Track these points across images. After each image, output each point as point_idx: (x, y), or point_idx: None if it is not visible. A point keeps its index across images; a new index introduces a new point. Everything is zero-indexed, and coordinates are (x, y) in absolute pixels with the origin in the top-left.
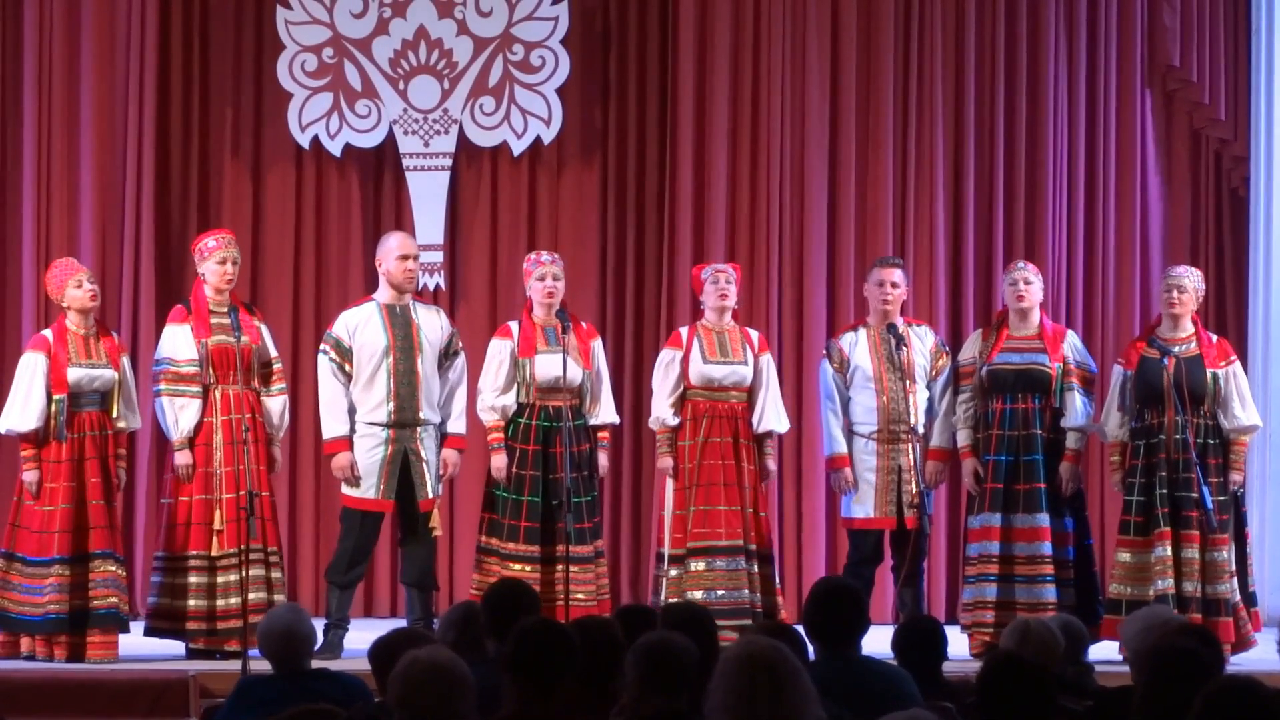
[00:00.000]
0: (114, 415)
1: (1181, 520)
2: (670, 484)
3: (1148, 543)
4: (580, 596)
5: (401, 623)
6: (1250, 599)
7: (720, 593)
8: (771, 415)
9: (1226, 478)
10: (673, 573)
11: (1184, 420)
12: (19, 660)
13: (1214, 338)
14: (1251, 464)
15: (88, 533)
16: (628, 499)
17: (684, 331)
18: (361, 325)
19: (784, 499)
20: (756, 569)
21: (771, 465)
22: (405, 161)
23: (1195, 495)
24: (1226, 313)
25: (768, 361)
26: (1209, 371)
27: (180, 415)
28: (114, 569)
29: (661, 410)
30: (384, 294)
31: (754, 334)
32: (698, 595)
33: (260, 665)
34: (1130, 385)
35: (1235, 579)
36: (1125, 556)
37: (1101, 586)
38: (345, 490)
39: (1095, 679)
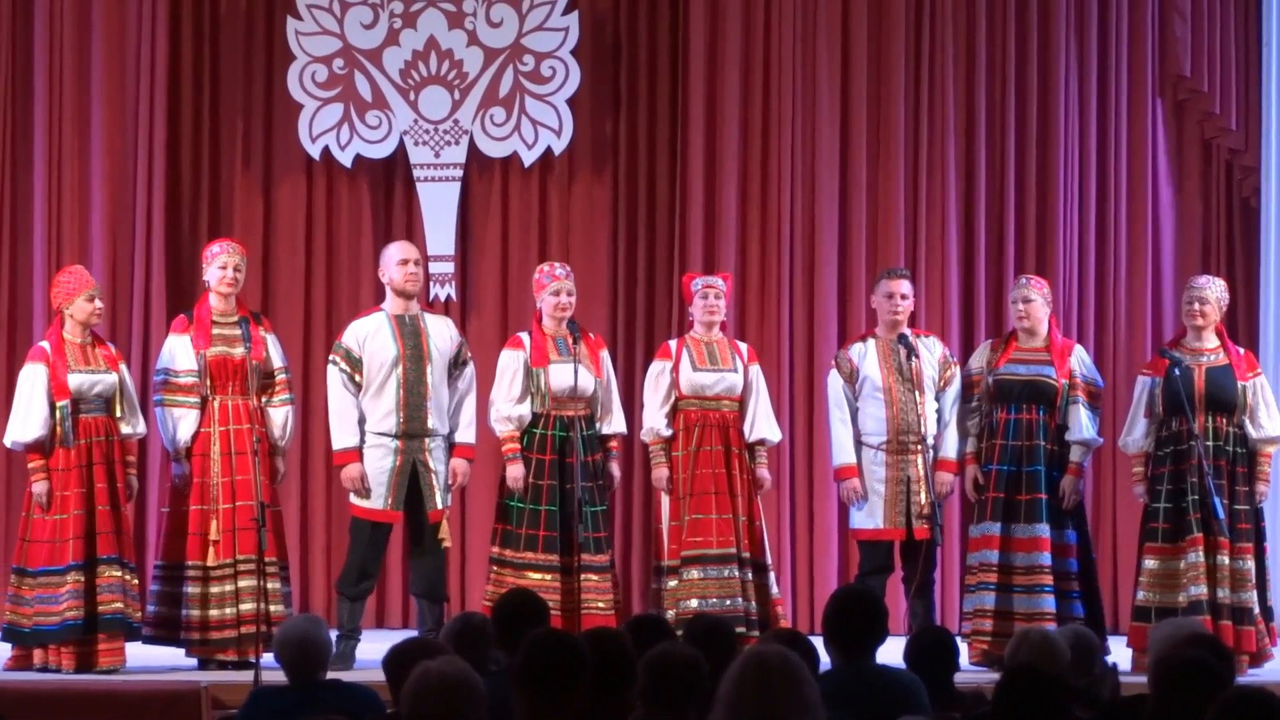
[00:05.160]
0: (117, 416)
1: (1213, 527)
2: (666, 496)
3: (1178, 550)
4: (600, 605)
5: (414, 633)
6: (1269, 613)
7: (714, 600)
8: (763, 424)
9: (1252, 488)
10: (670, 583)
11: (1206, 428)
12: (31, 672)
13: (1241, 350)
14: (1274, 477)
15: (95, 538)
16: (639, 509)
17: (673, 344)
18: (371, 335)
19: (795, 509)
20: (751, 577)
21: (764, 474)
22: (416, 172)
23: (1224, 502)
24: (1238, 323)
25: (757, 371)
26: (1239, 383)
27: (178, 425)
28: (119, 574)
29: (655, 421)
30: (392, 304)
31: (743, 345)
32: (692, 604)
33: (272, 676)
34: (1159, 394)
35: (1256, 591)
36: (1152, 564)
37: (1104, 599)
38: (354, 501)
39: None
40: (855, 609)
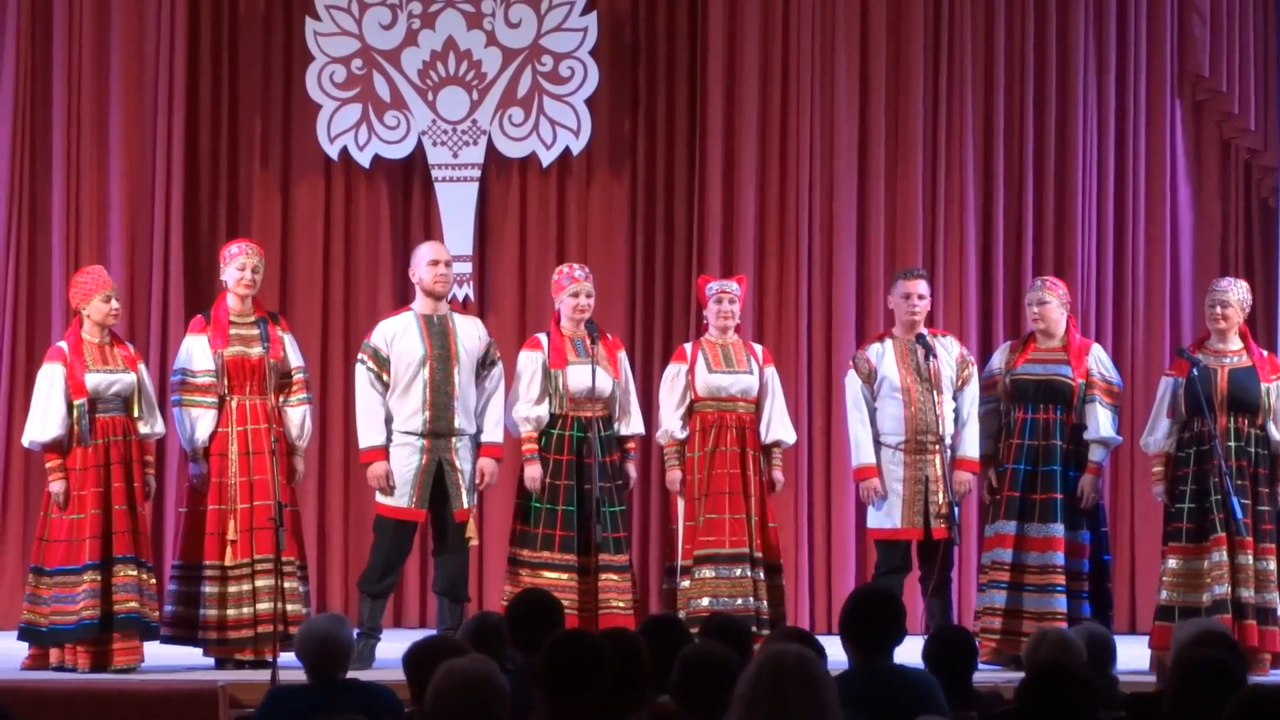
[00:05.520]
0: (136, 416)
1: (1212, 527)
2: (680, 497)
3: (1202, 549)
4: (619, 605)
5: (431, 632)
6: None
7: (725, 599)
8: (778, 426)
9: (1274, 490)
10: (684, 584)
11: (1207, 431)
12: (48, 671)
13: (1264, 352)
14: None
15: (112, 538)
16: (657, 510)
17: (688, 346)
18: (399, 335)
19: (813, 510)
20: (764, 577)
21: (779, 476)
22: (434, 172)
23: (1245, 502)
24: (1256, 322)
25: (773, 373)
26: (1262, 385)
27: (195, 425)
28: (135, 574)
29: (670, 423)
30: (421, 304)
31: (758, 347)
32: (704, 603)
33: (290, 675)
34: (1181, 395)
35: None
36: (1174, 563)
37: (1114, 600)
38: (379, 499)
39: (1121, 690)
40: (873, 608)
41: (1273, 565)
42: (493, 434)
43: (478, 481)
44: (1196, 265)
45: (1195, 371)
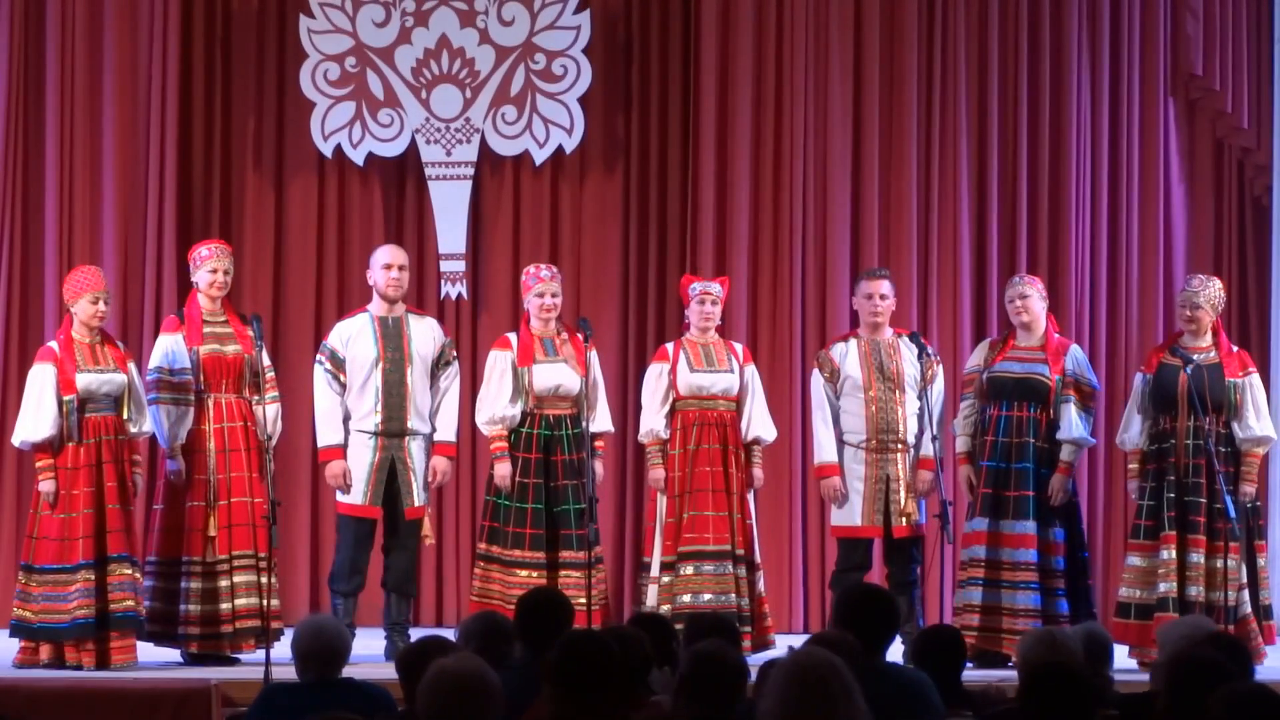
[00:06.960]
0: (125, 417)
1: (1189, 525)
2: (661, 495)
3: (1155, 546)
4: (581, 600)
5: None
6: (1264, 612)
7: (707, 596)
8: (758, 423)
9: (1238, 486)
10: (665, 579)
11: (1198, 427)
12: (39, 669)
13: (1234, 348)
14: (1272, 476)
15: (105, 536)
16: (632, 508)
17: (669, 346)
18: (354, 336)
19: (807, 508)
20: (743, 574)
21: (758, 473)
22: (427, 170)
23: (1202, 500)
24: (1249, 322)
25: (753, 372)
26: (1228, 381)
27: (172, 423)
28: (129, 572)
29: (653, 423)
30: (376, 306)
31: (738, 346)
32: (685, 599)
33: (282, 672)
34: (1149, 391)
35: (1245, 590)
36: (1134, 560)
37: (1097, 597)
38: (338, 497)
39: (1116, 689)
40: (868, 606)
41: (1233, 563)
42: (446, 433)
43: (430, 479)
44: (1189, 264)
45: (1189, 369)
